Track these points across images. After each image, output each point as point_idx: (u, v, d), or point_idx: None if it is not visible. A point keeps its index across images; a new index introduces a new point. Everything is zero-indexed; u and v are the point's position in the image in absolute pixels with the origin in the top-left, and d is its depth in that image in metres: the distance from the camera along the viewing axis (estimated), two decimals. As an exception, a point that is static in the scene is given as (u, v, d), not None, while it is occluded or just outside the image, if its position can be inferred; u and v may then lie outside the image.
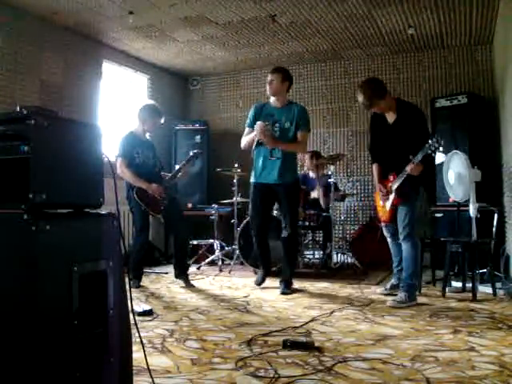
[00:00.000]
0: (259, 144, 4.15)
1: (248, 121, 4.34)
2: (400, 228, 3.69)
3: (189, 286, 4.43)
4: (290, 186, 4.18)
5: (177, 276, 4.52)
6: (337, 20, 5.32)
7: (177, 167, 4.82)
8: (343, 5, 4.91)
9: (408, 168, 3.58)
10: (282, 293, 4.10)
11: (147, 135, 4.62)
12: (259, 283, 4.44)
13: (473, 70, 6.14)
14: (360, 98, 3.69)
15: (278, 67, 4.38)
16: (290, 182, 4.17)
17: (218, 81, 7.57)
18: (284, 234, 4.24)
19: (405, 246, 3.67)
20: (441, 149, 3.49)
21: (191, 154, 4.65)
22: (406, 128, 3.64)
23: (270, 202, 4.41)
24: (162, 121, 4.62)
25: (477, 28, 5.53)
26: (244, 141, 4.31)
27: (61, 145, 1.47)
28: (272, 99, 4.26)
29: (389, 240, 3.99)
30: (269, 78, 4.22)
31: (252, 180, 4.31)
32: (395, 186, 3.71)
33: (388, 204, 3.81)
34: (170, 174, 4.65)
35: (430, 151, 3.49)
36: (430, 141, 3.46)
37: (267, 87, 4.24)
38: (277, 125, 4.15)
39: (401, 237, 3.70)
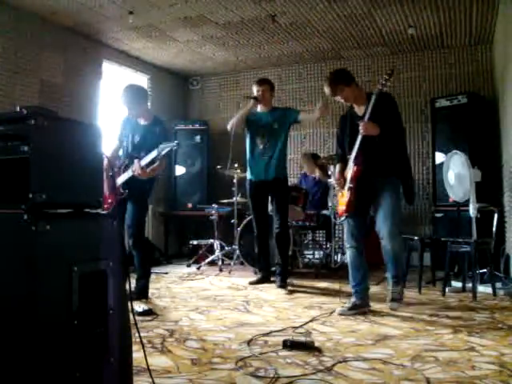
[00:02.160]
0: (249, 125, 4.54)
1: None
2: (385, 227, 3.33)
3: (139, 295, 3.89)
4: (281, 182, 4.50)
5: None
6: (337, 20, 5.32)
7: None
8: (343, 5, 4.91)
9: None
10: (279, 286, 4.30)
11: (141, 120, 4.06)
12: (254, 283, 4.56)
13: (473, 70, 6.14)
14: (325, 86, 3.51)
15: (265, 79, 4.74)
16: (281, 178, 4.49)
17: (217, 81, 7.57)
18: (276, 230, 4.45)
19: (388, 247, 3.34)
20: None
21: (156, 152, 3.76)
22: (377, 117, 3.28)
23: (266, 197, 4.63)
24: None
25: (477, 28, 5.53)
26: (231, 121, 4.54)
27: (61, 145, 1.47)
28: (259, 106, 4.59)
29: (348, 248, 3.47)
30: (259, 88, 4.50)
31: (248, 177, 4.62)
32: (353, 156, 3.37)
33: (347, 184, 3.40)
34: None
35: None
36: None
37: (257, 94, 4.51)
38: (266, 127, 4.50)
39: (385, 236, 3.34)
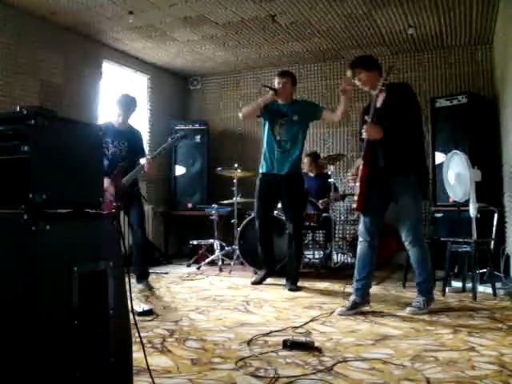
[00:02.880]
0: (267, 114, 4.33)
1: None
2: (404, 231, 3.32)
3: (149, 289, 4.24)
4: (295, 178, 4.30)
5: (137, 281, 4.29)
6: (337, 20, 5.32)
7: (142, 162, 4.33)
8: (343, 5, 4.91)
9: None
10: (290, 289, 4.18)
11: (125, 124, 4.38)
12: (258, 283, 4.46)
13: (473, 70, 6.14)
14: (347, 69, 3.50)
15: (287, 71, 4.53)
16: (295, 174, 4.30)
17: (218, 81, 7.57)
18: (288, 229, 4.28)
19: (412, 251, 3.35)
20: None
21: (169, 140, 4.42)
22: (395, 107, 3.26)
23: (275, 197, 4.42)
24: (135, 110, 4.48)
25: (477, 28, 5.53)
26: (245, 108, 4.41)
27: (61, 145, 1.47)
28: (279, 100, 4.36)
29: (360, 241, 3.47)
30: (281, 79, 4.30)
31: (260, 170, 4.43)
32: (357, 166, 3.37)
33: (357, 182, 3.37)
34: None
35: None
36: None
37: (277, 86, 4.29)
38: (285, 118, 4.31)
39: (406, 242, 3.35)
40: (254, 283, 4.47)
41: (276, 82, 4.33)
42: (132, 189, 4.28)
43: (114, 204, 4.11)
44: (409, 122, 3.26)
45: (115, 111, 4.40)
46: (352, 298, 3.38)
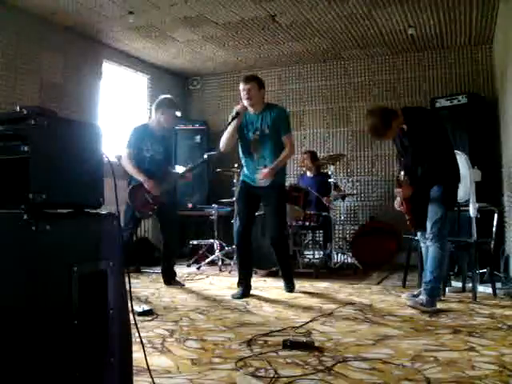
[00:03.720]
0: (242, 142, 4.10)
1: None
2: (428, 228, 3.50)
3: (180, 286, 4.44)
4: (277, 187, 4.08)
5: (165, 282, 4.48)
6: (337, 20, 5.32)
7: (182, 168, 4.74)
8: (343, 5, 4.91)
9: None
10: (289, 291, 4.15)
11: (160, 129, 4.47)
12: (239, 297, 3.94)
13: (473, 70, 6.14)
14: (373, 137, 3.78)
15: (252, 75, 4.18)
16: (277, 184, 4.06)
17: (218, 81, 7.57)
18: (272, 237, 4.11)
19: (431, 248, 3.48)
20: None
21: (205, 156, 4.60)
22: (417, 134, 3.51)
23: (256, 203, 4.19)
24: (179, 114, 4.54)
25: (477, 28, 5.53)
26: (221, 142, 4.10)
27: (61, 145, 1.47)
28: (249, 108, 4.04)
29: (422, 246, 3.78)
30: (245, 86, 3.98)
31: (241, 177, 4.25)
32: None
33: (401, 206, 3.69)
34: (180, 171, 4.59)
35: None
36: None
37: (243, 96, 3.99)
38: (257, 132, 4.02)
39: (428, 237, 3.51)
40: (234, 297, 3.94)
41: (241, 89, 4.01)
42: (171, 193, 4.47)
43: (152, 205, 4.31)
44: (435, 142, 3.45)
45: (159, 115, 4.41)
46: (421, 296, 3.52)
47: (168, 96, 4.62)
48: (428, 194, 3.52)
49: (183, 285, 4.49)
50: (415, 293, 3.67)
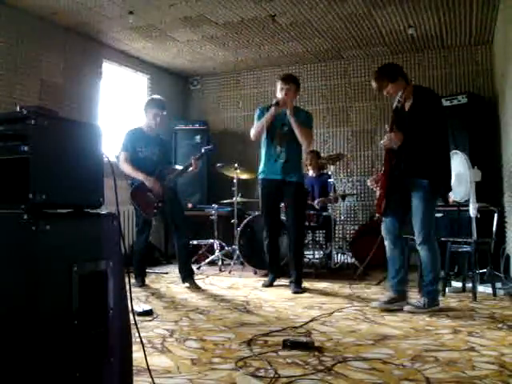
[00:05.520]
0: (268, 133, 4.27)
1: (256, 120, 4.40)
2: (416, 232, 3.40)
3: (195, 287, 4.34)
4: (296, 185, 4.27)
5: (183, 280, 4.46)
6: (337, 20, 5.32)
7: (178, 166, 4.77)
8: (343, 5, 4.91)
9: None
10: (294, 292, 4.13)
11: (153, 130, 4.54)
12: (268, 286, 4.44)
13: (473, 70, 6.14)
14: (372, 82, 3.56)
15: (293, 77, 4.42)
16: (295, 181, 4.27)
17: (218, 81, 7.57)
18: (291, 235, 4.31)
19: (422, 252, 3.42)
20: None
21: (203, 150, 4.60)
22: (421, 114, 3.33)
23: (278, 201, 4.45)
24: (163, 112, 4.55)
25: (477, 28, 5.53)
26: (253, 129, 4.33)
27: (61, 145, 1.47)
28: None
29: (386, 241, 3.58)
30: (284, 86, 4.22)
31: (260, 176, 4.41)
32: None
33: (378, 189, 3.48)
34: (179, 168, 4.61)
35: None
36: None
37: (279, 93, 4.24)
38: (285, 128, 4.26)
39: (417, 242, 3.41)
40: (265, 286, 4.44)
41: (279, 88, 4.25)
42: (173, 189, 4.49)
43: (156, 204, 4.32)
44: (433, 129, 3.31)
45: (146, 116, 4.50)
46: (388, 293, 3.53)
47: (154, 96, 4.70)
48: (406, 185, 3.39)
49: (199, 287, 4.35)
50: (385, 299, 3.48)
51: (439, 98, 3.50)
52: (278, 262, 4.57)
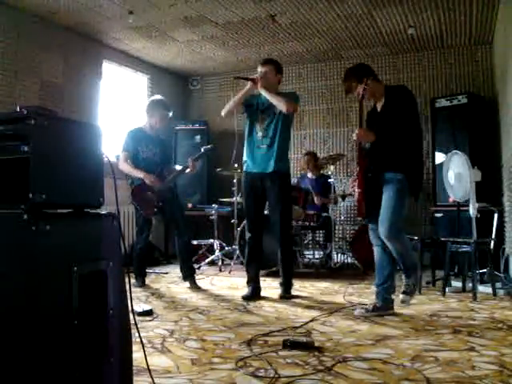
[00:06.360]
0: (250, 120, 4.02)
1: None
2: (381, 224, 3.20)
3: (195, 287, 4.33)
4: (281, 175, 3.91)
5: (184, 278, 4.45)
6: (337, 20, 5.32)
7: (177, 166, 4.77)
8: (343, 5, 4.91)
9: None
10: (281, 297, 3.89)
11: (155, 131, 4.55)
12: (249, 297, 3.86)
13: (473, 70, 6.14)
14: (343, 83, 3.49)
15: (270, 58, 4.14)
16: (281, 171, 3.91)
17: (218, 81, 7.56)
18: (276, 232, 3.90)
19: (390, 247, 3.22)
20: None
21: (203, 150, 4.59)
22: (393, 113, 3.23)
23: (262, 196, 3.99)
24: (170, 114, 4.57)
25: (477, 28, 5.53)
26: (227, 105, 4.03)
27: (61, 145, 1.46)
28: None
29: (374, 246, 3.40)
30: (262, 68, 3.93)
31: (244, 168, 4.08)
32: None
33: (357, 190, 3.32)
34: (179, 168, 4.60)
35: None
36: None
37: (258, 76, 3.92)
38: (267, 111, 3.95)
39: (383, 236, 3.21)
40: (244, 298, 3.86)
41: (258, 71, 3.95)
42: (172, 189, 4.51)
43: (156, 203, 4.34)
44: (406, 125, 3.22)
45: (148, 117, 4.51)
46: (374, 300, 3.33)
47: (158, 97, 4.67)
48: (381, 180, 3.28)
49: (199, 287, 4.33)
50: (367, 306, 3.32)
51: (411, 95, 3.34)
52: (258, 268, 4.06)
